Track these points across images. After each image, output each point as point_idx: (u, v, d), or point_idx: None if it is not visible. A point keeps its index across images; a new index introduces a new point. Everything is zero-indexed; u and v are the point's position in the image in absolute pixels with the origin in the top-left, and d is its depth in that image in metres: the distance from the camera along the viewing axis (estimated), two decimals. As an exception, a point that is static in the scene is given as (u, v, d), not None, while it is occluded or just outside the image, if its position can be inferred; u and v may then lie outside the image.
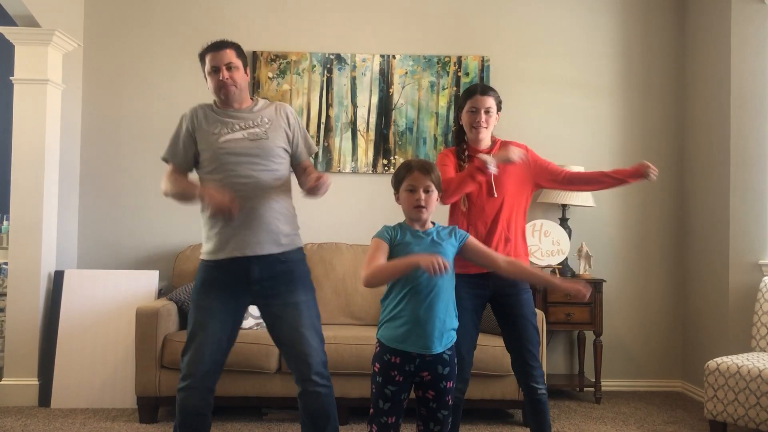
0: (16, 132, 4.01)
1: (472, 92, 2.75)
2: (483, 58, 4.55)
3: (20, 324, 3.97)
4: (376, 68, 4.54)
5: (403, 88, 4.55)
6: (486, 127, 2.73)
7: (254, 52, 4.52)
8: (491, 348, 3.52)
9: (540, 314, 3.66)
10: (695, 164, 4.45)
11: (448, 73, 4.56)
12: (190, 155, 2.62)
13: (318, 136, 4.51)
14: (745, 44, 4.00)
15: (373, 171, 4.52)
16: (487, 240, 2.66)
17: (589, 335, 4.33)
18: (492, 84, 4.54)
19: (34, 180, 3.99)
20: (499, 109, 2.77)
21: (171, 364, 3.58)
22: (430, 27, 4.59)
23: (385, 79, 4.55)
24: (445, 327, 2.22)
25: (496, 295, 2.71)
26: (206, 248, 2.57)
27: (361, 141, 4.53)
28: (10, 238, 4.00)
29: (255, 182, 2.52)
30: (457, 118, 2.83)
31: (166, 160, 2.66)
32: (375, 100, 4.54)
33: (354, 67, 4.54)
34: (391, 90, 4.55)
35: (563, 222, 4.33)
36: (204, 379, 2.47)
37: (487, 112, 2.72)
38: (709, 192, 4.26)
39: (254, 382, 3.63)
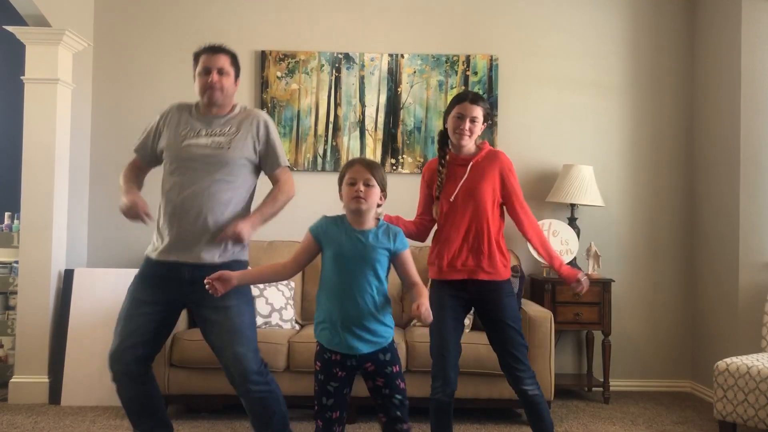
0: (26, 131, 4.04)
1: (462, 98, 2.73)
2: (491, 57, 4.55)
3: (31, 322, 3.99)
4: (385, 67, 4.54)
5: (411, 87, 4.55)
6: (469, 136, 2.71)
7: (263, 52, 4.53)
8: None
9: (548, 314, 3.67)
10: (705, 163, 4.43)
11: (456, 72, 4.55)
12: (155, 151, 2.68)
13: (326, 135, 4.52)
14: (756, 43, 3.97)
15: (381, 170, 4.52)
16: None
17: (598, 335, 4.32)
18: (500, 83, 4.54)
19: (45, 179, 4.02)
20: (485, 120, 2.74)
21: (180, 362, 3.60)
22: (438, 26, 4.59)
23: (393, 78, 4.55)
24: (366, 328, 2.20)
25: (476, 300, 2.73)
26: (154, 245, 2.64)
27: (369, 140, 4.53)
28: (20, 237, 4.04)
29: (206, 190, 2.53)
30: (444, 122, 2.80)
31: (136, 152, 2.74)
32: (383, 99, 4.54)
33: (362, 66, 4.54)
34: (399, 89, 4.55)
35: (572, 221, 4.32)
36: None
37: (472, 121, 2.69)
38: (718, 191, 4.23)
39: (262, 381, 3.63)
